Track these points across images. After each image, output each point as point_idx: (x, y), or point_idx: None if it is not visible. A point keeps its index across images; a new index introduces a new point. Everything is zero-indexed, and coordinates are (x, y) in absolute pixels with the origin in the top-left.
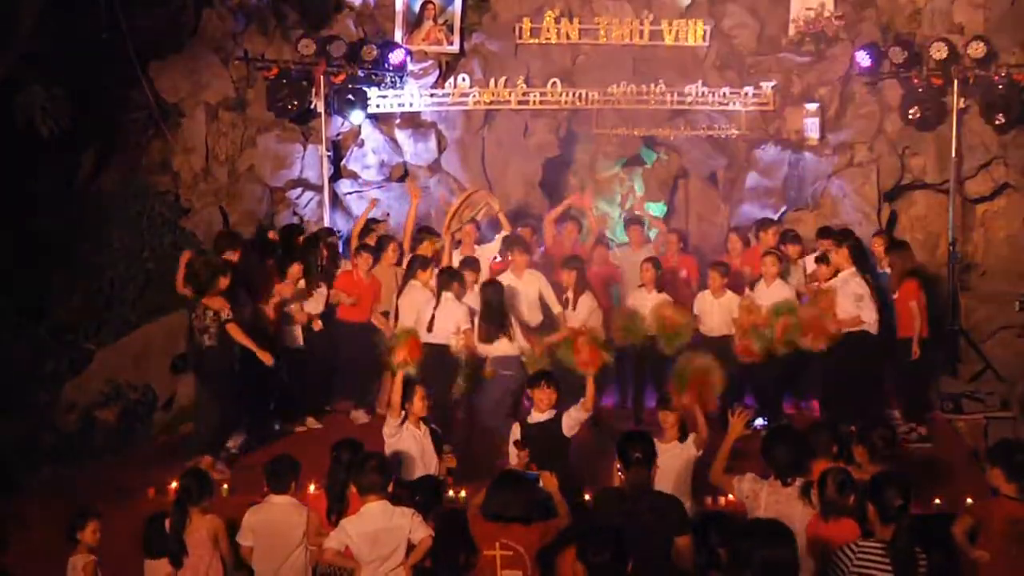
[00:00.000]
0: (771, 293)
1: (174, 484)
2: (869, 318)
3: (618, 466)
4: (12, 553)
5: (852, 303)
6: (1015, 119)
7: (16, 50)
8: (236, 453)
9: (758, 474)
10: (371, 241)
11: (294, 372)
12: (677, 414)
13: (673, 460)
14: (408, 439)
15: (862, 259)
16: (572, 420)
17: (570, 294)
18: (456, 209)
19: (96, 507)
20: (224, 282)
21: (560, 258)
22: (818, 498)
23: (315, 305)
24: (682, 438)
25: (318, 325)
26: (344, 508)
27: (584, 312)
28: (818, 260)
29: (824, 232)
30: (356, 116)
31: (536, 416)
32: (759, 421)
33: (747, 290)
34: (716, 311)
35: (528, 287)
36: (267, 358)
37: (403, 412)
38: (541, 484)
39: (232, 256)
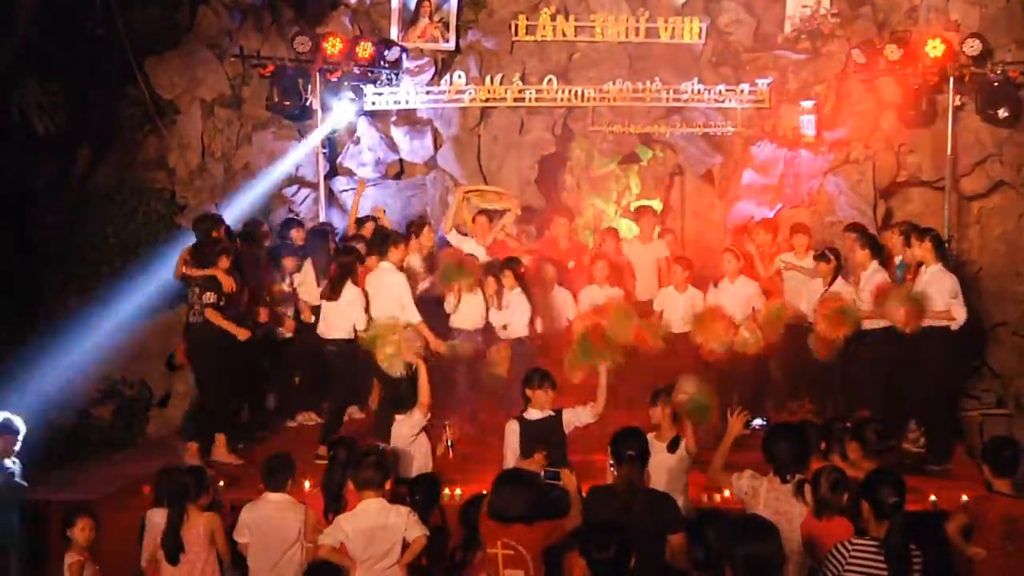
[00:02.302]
0: (735, 289)
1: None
2: (960, 315)
3: (610, 463)
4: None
5: (944, 298)
6: (1011, 116)
7: (12, 46)
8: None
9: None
10: (366, 233)
11: (287, 364)
12: (666, 409)
13: (666, 460)
14: (423, 439)
15: (944, 253)
16: (576, 420)
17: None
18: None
19: (89, 505)
20: (225, 262)
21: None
22: (811, 496)
23: (313, 294)
24: (674, 445)
25: (309, 317)
26: (341, 507)
27: (517, 312)
28: (817, 258)
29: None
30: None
31: (534, 414)
32: (757, 421)
33: (710, 286)
34: (680, 306)
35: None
36: (243, 333)
37: (426, 412)
38: (562, 482)
39: (218, 234)
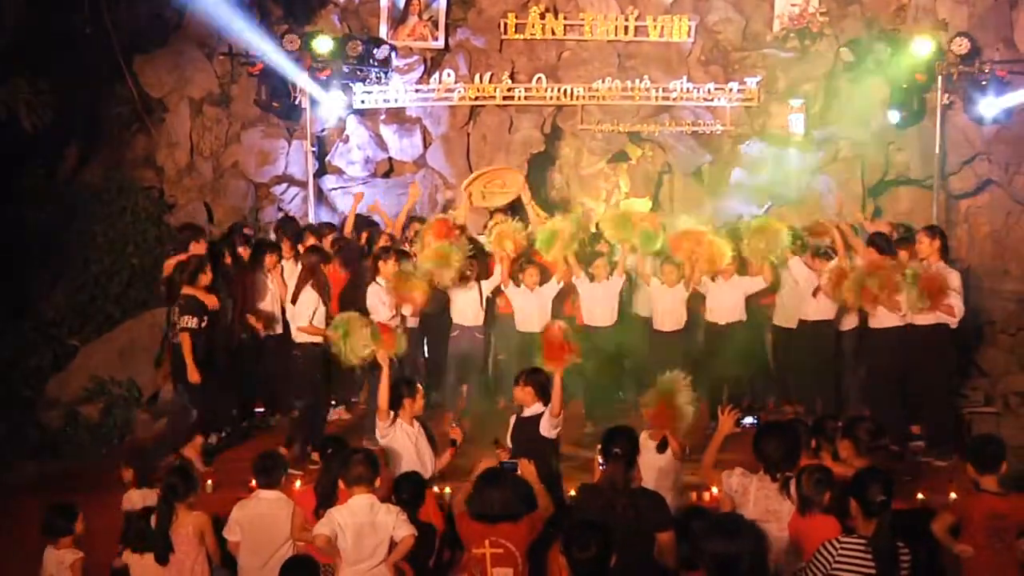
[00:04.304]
0: (730, 287)
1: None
2: (959, 313)
3: (599, 460)
4: None
5: (952, 295)
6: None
7: (0, 44)
8: (214, 445)
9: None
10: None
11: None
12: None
13: (655, 459)
14: (401, 437)
15: (947, 251)
16: (546, 423)
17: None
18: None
19: (75, 503)
20: (203, 278)
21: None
22: (796, 493)
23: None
24: (662, 447)
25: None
26: (332, 505)
27: (303, 308)
28: (816, 254)
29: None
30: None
31: (527, 410)
32: (748, 419)
33: (706, 280)
34: (669, 302)
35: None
36: (194, 376)
37: (391, 414)
38: (520, 472)
39: (198, 248)
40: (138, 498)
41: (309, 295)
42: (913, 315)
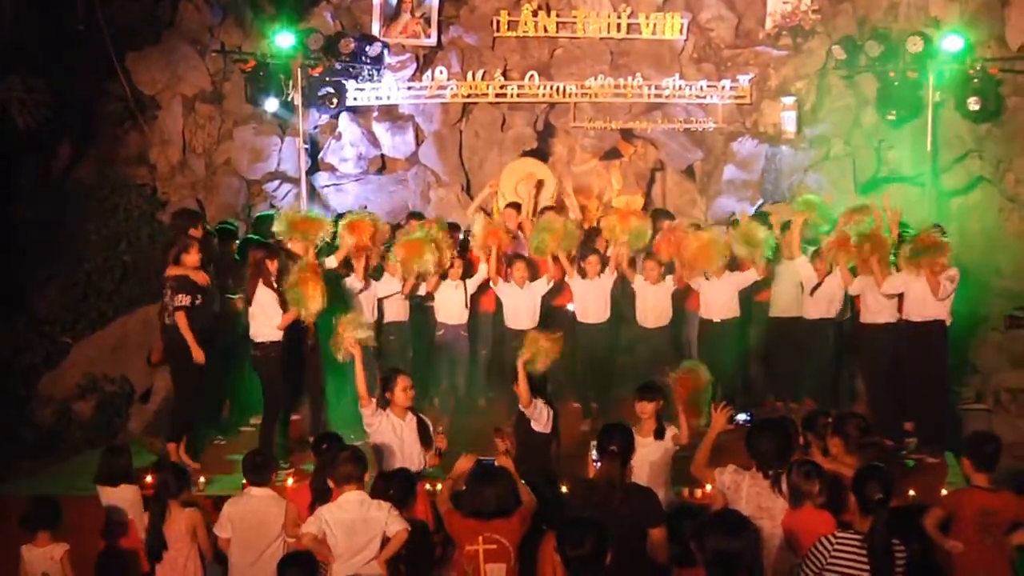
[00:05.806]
0: (722, 284)
1: (149, 478)
2: (943, 293)
3: (594, 456)
4: None
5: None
6: (990, 112)
7: None
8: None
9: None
10: None
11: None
12: (654, 404)
13: (649, 454)
14: (387, 431)
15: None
16: (531, 415)
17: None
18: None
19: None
20: (188, 259)
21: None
22: (787, 486)
23: None
24: (660, 434)
25: None
26: (327, 502)
27: (266, 309)
28: (818, 254)
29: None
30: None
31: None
32: (742, 416)
33: (699, 278)
34: (650, 300)
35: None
36: (198, 354)
37: (372, 401)
38: (497, 463)
39: (195, 232)
40: (109, 494)
41: (264, 293)
42: (908, 312)
